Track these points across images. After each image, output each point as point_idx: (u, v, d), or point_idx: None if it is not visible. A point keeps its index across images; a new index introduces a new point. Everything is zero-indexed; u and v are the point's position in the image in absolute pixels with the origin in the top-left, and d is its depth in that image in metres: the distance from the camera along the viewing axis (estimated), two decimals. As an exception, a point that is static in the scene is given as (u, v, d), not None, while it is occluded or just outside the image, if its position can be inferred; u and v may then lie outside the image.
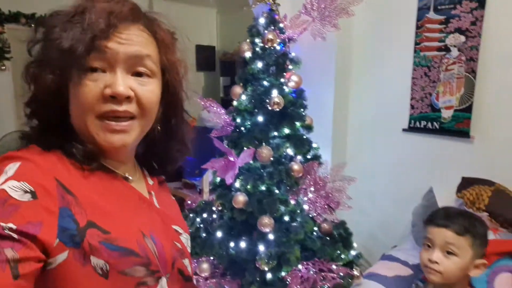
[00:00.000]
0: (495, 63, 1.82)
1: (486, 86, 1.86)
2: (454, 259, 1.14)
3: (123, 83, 0.56)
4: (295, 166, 1.77)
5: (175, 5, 5.00)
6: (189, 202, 2.20)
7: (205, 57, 5.52)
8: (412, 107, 2.09)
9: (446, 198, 1.94)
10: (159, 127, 0.68)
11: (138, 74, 0.59)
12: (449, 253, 1.15)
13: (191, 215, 2.01)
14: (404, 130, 2.15)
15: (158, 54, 0.63)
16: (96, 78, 0.56)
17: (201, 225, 1.92)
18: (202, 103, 1.94)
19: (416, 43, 2.02)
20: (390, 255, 2.03)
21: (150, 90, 0.60)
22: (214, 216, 1.92)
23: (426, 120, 2.05)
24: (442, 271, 1.15)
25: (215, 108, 1.95)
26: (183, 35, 0.71)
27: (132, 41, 0.58)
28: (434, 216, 1.26)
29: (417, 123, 2.09)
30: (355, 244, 1.92)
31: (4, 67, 3.71)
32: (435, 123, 2.02)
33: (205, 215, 1.94)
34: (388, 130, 2.22)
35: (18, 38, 3.82)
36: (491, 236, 1.65)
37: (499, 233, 1.67)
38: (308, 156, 1.93)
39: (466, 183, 1.85)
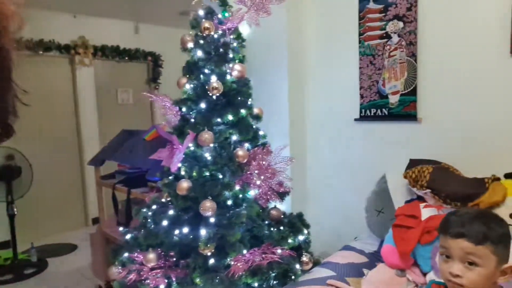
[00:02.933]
0: (432, 45, 1.87)
1: (427, 68, 1.89)
2: (477, 270, 1.00)
3: None
4: (240, 152, 1.78)
5: (160, 29, 5.20)
6: (146, 200, 2.20)
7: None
8: (362, 96, 2.12)
9: (397, 182, 1.92)
10: None
11: None
12: (470, 264, 1.01)
13: (143, 209, 2.01)
14: (355, 120, 2.17)
15: None
16: None
17: (149, 217, 1.91)
18: (151, 97, 1.99)
19: (360, 34, 2.08)
20: (348, 245, 1.99)
21: None
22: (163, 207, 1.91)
23: (375, 108, 2.07)
24: (466, 284, 1.01)
25: (165, 102, 1.99)
26: None
27: None
28: (447, 224, 1.08)
29: (368, 112, 2.10)
30: (305, 230, 1.88)
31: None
32: (384, 110, 2.04)
33: (154, 207, 1.93)
34: (341, 121, 2.24)
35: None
36: (434, 212, 1.62)
37: (443, 210, 1.63)
38: (259, 143, 1.95)
39: (413, 163, 1.83)
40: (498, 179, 1.58)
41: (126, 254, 1.86)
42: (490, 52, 1.71)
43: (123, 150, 2.94)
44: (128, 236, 1.93)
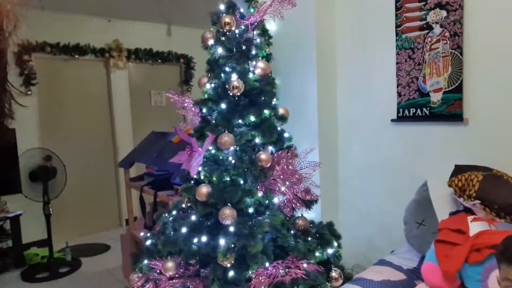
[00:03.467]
0: (481, 36, 1.64)
1: (475, 62, 1.67)
2: None
3: None
4: (263, 156, 1.65)
5: (192, 31, 5.20)
6: (170, 203, 2.14)
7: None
8: (399, 94, 1.92)
9: (441, 190, 1.70)
10: None
11: None
12: None
13: (165, 214, 1.94)
14: (392, 120, 1.97)
15: None
16: None
17: (169, 223, 1.82)
18: (173, 97, 1.92)
19: (397, 26, 1.89)
20: (383, 260, 1.81)
21: None
22: (183, 213, 1.82)
23: (414, 107, 1.87)
24: None
25: (186, 102, 1.91)
26: None
27: None
28: (507, 251, 0.95)
29: (406, 112, 1.90)
30: (335, 242, 1.72)
31: (30, 92, 3.99)
32: (424, 109, 1.83)
33: (174, 212, 1.85)
34: (377, 122, 2.05)
35: (44, 66, 4.15)
36: (485, 227, 1.41)
37: (495, 224, 1.41)
38: (284, 147, 1.81)
39: (459, 171, 1.62)
40: None
41: (145, 261, 1.78)
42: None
43: (151, 153, 2.91)
44: (148, 242, 1.86)
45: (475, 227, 1.39)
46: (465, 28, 1.66)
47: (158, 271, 1.69)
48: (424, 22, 1.78)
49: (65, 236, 4.13)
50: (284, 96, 2.20)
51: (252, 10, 2.00)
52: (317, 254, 1.60)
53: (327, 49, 2.15)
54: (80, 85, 4.45)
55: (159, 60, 4.94)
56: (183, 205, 1.84)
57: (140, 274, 1.78)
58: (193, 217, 1.75)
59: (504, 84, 1.60)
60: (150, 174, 3.07)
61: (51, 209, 3.65)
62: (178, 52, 5.08)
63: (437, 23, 1.74)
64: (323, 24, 2.09)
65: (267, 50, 2.27)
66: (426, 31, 1.78)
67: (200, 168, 1.72)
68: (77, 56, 4.30)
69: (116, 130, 4.66)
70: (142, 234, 1.95)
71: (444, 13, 1.71)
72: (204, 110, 1.77)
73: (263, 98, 1.75)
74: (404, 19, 1.85)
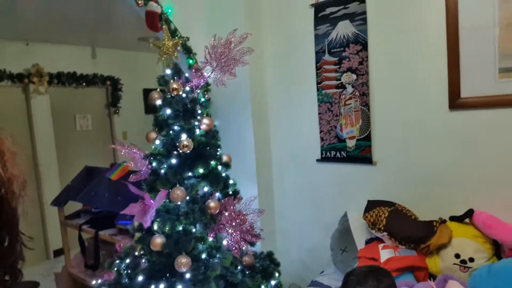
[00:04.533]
0: (382, 96, 2.06)
1: (379, 117, 2.08)
2: None
3: None
4: (211, 204, 1.85)
5: (118, 53, 5.13)
6: (118, 247, 2.21)
7: (152, 100, 5.62)
8: (322, 139, 2.28)
9: (358, 220, 2.08)
10: None
11: None
12: None
13: (116, 261, 2.02)
14: (317, 160, 2.32)
15: None
16: None
17: (124, 271, 1.93)
18: (121, 149, 2.02)
19: (318, 82, 2.24)
20: (316, 281, 2.12)
21: None
22: (137, 260, 1.94)
23: (334, 150, 2.23)
24: None
25: (135, 153, 2.03)
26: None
27: None
28: (347, 284, 1.31)
29: (328, 153, 2.26)
30: (276, 274, 1.99)
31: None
32: (342, 152, 2.20)
33: (127, 261, 1.96)
34: (304, 161, 2.38)
35: None
36: (391, 254, 1.79)
37: (398, 251, 1.81)
38: (230, 192, 2.04)
39: (371, 205, 2.01)
40: (445, 221, 1.79)
41: (101, 311, 1.86)
42: (430, 105, 1.92)
43: (87, 191, 2.90)
44: (101, 291, 1.93)
45: (385, 254, 1.78)
46: (370, 89, 2.07)
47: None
48: (339, 82, 2.15)
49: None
50: (223, 137, 2.42)
51: (191, 61, 2.20)
52: (262, 287, 1.85)
53: (260, 98, 2.43)
54: (-4, 112, 4.13)
55: (84, 83, 4.79)
56: (136, 253, 1.95)
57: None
58: (146, 264, 1.87)
59: (401, 135, 2.03)
60: (87, 211, 3.04)
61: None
62: (104, 74, 4.97)
63: (349, 83, 2.12)
64: (255, 78, 2.36)
65: (206, 96, 2.48)
66: (341, 89, 2.15)
67: (152, 218, 1.86)
68: (-9, 82, 3.99)
69: (38, 158, 4.41)
70: (93, 282, 2.00)
71: (354, 76, 2.10)
72: (154, 164, 1.91)
73: (209, 150, 1.95)
74: (323, 77, 2.21)
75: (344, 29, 2.11)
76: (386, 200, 2.02)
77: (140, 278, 1.82)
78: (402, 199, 2.00)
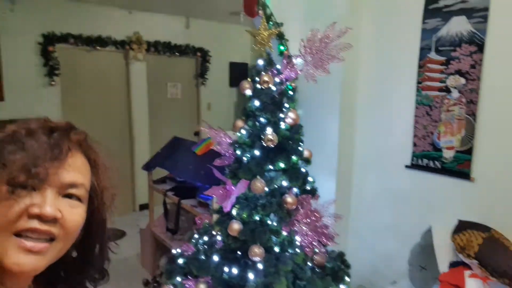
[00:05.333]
0: (495, 107, 1.81)
1: (487, 130, 1.85)
2: None
3: (52, 203, 0.56)
4: (288, 199, 1.86)
5: (210, 24, 5.26)
6: (197, 220, 2.37)
7: (238, 73, 5.73)
8: (415, 144, 2.11)
9: (443, 239, 1.93)
10: (73, 254, 0.67)
11: (68, 196, 0.59)
12: None
13: (195, 236, 2.17)
14: (407, 166, 2.17)
15: (90, 180, 0.65)
16: (24, 195, 0.55)
17: (201, 247, 2.06)
18: (209, 132, 2.10)
19: (419, 82, 2.04)
20: (386, 290, 2.06)
21: (78, 213, 0.61)
22: (214, 239, 2.06)
23: (428, 159, 2.06)
24: None
25: (222, 137, 2.10)
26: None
27: (70, 167, 0.59)
28: None
29: (420, 161, 2.10)
30: (347, 278, 1.96)
31: (54, 82, 4.13)
32: (436, 162, 2.02)
33: (205, 238, 2.09)
34: (391, 166, 2.24)
35: (66, 56, 4.26)
36: (479, 285, 1.65)
37: (488, 283, 1.65)
38: (308, 189, 2.02)
39: (461, 226, 1.84)
40: (550, 260, 1.57)
41: (178, 279, 2.04)
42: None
43: (174, 160, 3.11)
44: (181, 261, 2.10)
45: (471, 284, 1.63)
46: (480, 97, 1.83)
47: (190, 290, 1.94)
48: (443, 84, 1.94)
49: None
50: (306, 128, 2.38)
51: (282, 47, 2.16)
52: (331, 289, 1.84)
53: (351, 90, 2.31)
54: (100, 76, 4.58)
55: (177, 53, 5.03)
56: (214, 232, 2.07)
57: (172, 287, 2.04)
58: (221, 244, 1.98)
59: (511, 154, 1.79)
60: (172, 179, 3.29)
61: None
62: (195, 46, 5.16)
63: (455, 88, 1.90)
64: (349, 69, 2.24)
65: (293, 84, 2.43)
66: (444, 93, 1.94)
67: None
68: (98, 47, 4.40)
69: (133, 119, 4.83)
70: (174, 251, 2.18)
71: (463, 80, 1.87)
72: (238, 152, 1.96)
73: (291, 145, 1.93)
74: (425, 77, 2.01)
75: (458, 25, 1.87)
76: (480, 223, 1.83)
77: (215, 257, 1.94)
78: (500, 224, 1.79)
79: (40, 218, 0.55)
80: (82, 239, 0.66)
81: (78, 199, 0.61)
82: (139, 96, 4.85)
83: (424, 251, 1.94)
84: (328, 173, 2.29)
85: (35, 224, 0.54)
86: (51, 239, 0.57)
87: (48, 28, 4.08)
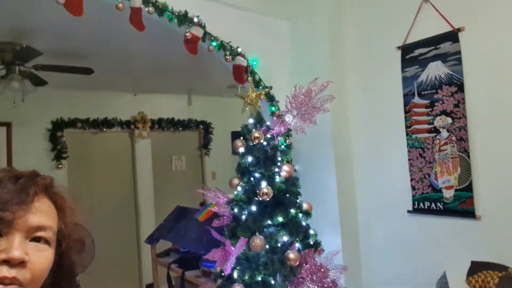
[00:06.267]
0: (485, 142, 1.82)
1: (482, 165, 1.83)
2: None
3: (19, 247, 0.56)
4: (291, 255, 1.79)
5: (210, 99, 5.54)
6: (200, 290, 2.26)
7: (240, 142, 5.85)
8: (413, 188, 2.08)
9: (459, 283, 1.80)
10: None
11: (36, 239, 0.60)
12: None
13: (199, 305, 2.05)
14: (409, 211, 2.11)
15: (58, 223, 0.65)
16: None
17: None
18: (207, 193, 2.11)
19: (407, 127, 2.09)
20: None
21: (45, 257, 0.61)
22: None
23: (429, 201, 2.01)
24: None
25: (220, 198, 2.10)
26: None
27: (37, 210, 0.60)
28: None
29: (421, 204, 2.05)
30: None
31: (61, 165, 4.27)
32: (438, 204, 1.98)
33: (209, 307, 1.97)
34: (394, 212, 2.19)
35: (74, 140, 4.45)
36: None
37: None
38: (311, 243, 1.95)
39: (476, 267, 1.73)
40: None
41: None
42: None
43: (176, 231, 3.06)
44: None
45: (496, 331, 1.48)
46: (470, 134, 1.85)
47: None
48: (431, 126, 1.98)
49: (90, 307, 4.20)
50: (304, 183, 2.37)
51: (273, 108, 2.24)
52: None
53: (343, 144, 2.35)
54: (107, 155, 4.72)
55: (180, 128, 5.23)
56: (217, 299, 1.97)
57: None
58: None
59: (512, 185, 1.75)
60: (176, 251, 3.20)
61: (78, 281, 3.75)
62: (197, 119, 5.39)
63: (443, 127, 1.93)
64: (338, 120, 2.30)
65: (287, 141, 2.48)
66: (434, 134, 1.97)
67: (232, 265, 1.86)
68: (105, 129, 4.60)
69: (139, 196, 4.86)
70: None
71: (449, 119, 1.91)
72: (236, 210, 1.94)
73: (288, 197, 1.92)
74: (413, 121, 2.05)
75: (436, 70, 1.96)
76: (494, 262, 1.72)
77: (219, 327, 1.81)
78: (516, 262, 1.68)
79: (8, 262, 0.55)
80: (51, 284, 0.65)
81: (46, 242, 0.61)
82: (144, 171, 4.95)
83: (443, 300, 1.80)
84: (331, 227, 2.23)
85: (3, 271, 0.55)
86: (19, 285, 0.56)
87: (57, 114, 4.34)
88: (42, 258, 0.60)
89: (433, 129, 1.97)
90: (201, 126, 5.43)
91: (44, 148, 4.23)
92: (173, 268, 2.96)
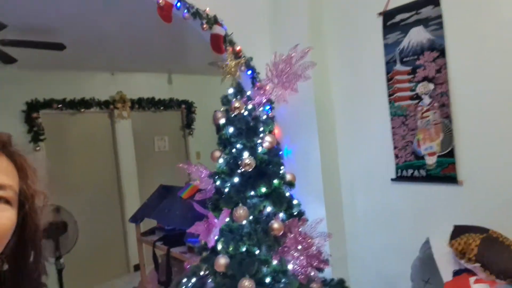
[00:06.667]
0: (467, 107, 1.81)
1: (464, 130, 1.83)
2: None
3: None
4: (275, 225, 1.78)
5: (191, 78, 5.41)
6: (186, 266, 2.23)
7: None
8: (397, 156, 2.08)
9: (443, 248, 1.83)
10: (5, 267, 0.62)
11: None
12: None
13: (183, 280, 2.03)
14: (392, 180, 2.11)
15: (19, 184, 0.62)
16: None
17: (189, 291, 1.92)
18: (188, 168, 2.06)
19: (390, 95, 2.06)
20: (393, 315, 1.90)
21: (6, 216, 0.58)
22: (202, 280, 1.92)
23: (412, 168, 2.02)
24: None
25: (202, 172, 2.05)
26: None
27: None
28: None
29: (404, 172, 2.05)
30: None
31: (38, 148, 4.13)
32: (421, 171, 1.98)
33: (193, 280, 1.95)
34: (377, 181, 2.19)
35: (51, 121, 4.30)
36: (486, 289, 1.53)
37: (496, 287, 1.53)
38: (294, 213, 1.94)
39: (458, 231, 1.75)
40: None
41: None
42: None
43: (161, 209, 3.02)
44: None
45: (477, 290, 1.51)
46: (452, 100, 1.84)
47: None
48: (413, 93, 1.96)
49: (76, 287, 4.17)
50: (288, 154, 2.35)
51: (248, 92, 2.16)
52: (332, 319, 1.70)
53: (327, 112, 2.32)
54: (86, 136, 4.59)
55: (161, 108, 5.12)
56: (201, 272, 1.95)
57: None
58: (212, 286, 1.85)
59: (493, 149, 1.76)
60: (161, 229, 3.17)
61: (62, 263, 3.70)
62: (179, 99, 5.27)
63: (425, 94, 1.91)
64: (321, 93, 2.27)
65: (270, 114, 2.44)
66: (416, 101, 1.95)
67: (216, 237, 1.84)
68: (83, 110, 4.46)
69: (121, 176, 4.78)
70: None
71: (431, 85, 1.89)
72: (218, 182, 1.91)
73: (271, 168, 1.89)
74: (396, 89, 2.03)
75: (418, 35, 1.93)
76: (476, 225, 1.74)
77: (204, 299, 1.80)
78: (496, 224, 1.70)
79: None
80: (15, 248, 0.62)
81: (6, 202, 0.58)
82: (126, 153, 4.84)
83: (425, 264, 1.82)
84: (315, 198, 2.22)
85: None
86: None
87: (32, 96, 4.16)
88: (3, 218, 0.57)
89: (415, 96, 1.96)
90: (183, 106, 5.32)
91: (21, 131, 4.07)
92: (158, 246, 2.93)
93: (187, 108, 5.38)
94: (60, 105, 4.31)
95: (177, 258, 2.86)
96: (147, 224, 3.36)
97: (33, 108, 4.13)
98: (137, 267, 4.75)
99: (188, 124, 5.41)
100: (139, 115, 5.01)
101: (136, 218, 3.21)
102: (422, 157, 1.96)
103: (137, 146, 4.95)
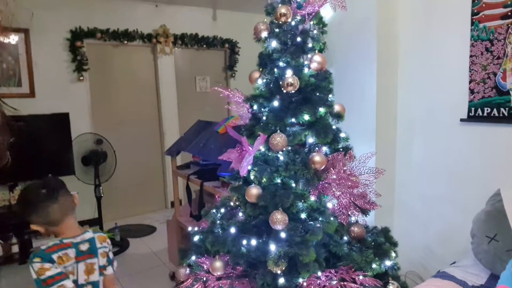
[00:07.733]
0: None
1: None
2: None
3: None
4: (316, 157, 1.54)
5: (237, 15, 5.10)
6: (217, 198, 2.11)
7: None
8: (472, 91, 1.72)
9: (518, 203, 1.51)
10: None
11: None
12: None
13: (213, 211, 1.91)
14: (462, 120, 1.77)
15: None
16: None
17: (218, 221, 1.79)
18: (224, 93, 1.85)
19: (474, 13, 1.66)
20: (444, 272, 1.66)
21: None
22: (232, 210, 1.78)
23: (490, 107, 1.66)
24: None
25: (236, 97, 1.84)
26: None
27: None
28: None
29: (479, 111, 1.70)
30: (393, 254, 1.59)
31: (82, 78, 4.12)
32: (502, 109, 1.62)
33: (222, 210, 1.81)
34: (442, 123, 1.86)
35: (94, 51, 4.25)
36: None
37: None
38: (340, 148, 1.69)
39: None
40: None
41: (193, 258, 1.77)
42: None
43: (197, 142, 2.90)
44: (196, 238, 1.84)
45: None
46: (561, 16, 1.43)
47: (206, 270, 1.67)
48: (508, 9, 1.55)
49: (114, 217, 4.32)
50: (338, 90, 2.06)
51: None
52: (374, 266, 1.49)
53: (388, 39, 1.96)
54: (128, 70, 4.53)
55: (204, 45, 4.89)
56: (231, 203, 1.80)
57: (188, 269, 1.78)
58: (242, 217, 1.70)
59: None
60: (196, 163, 3.07)
61: (102, 192, 3.80)
62: (223, 37, 5.00)
63: (525, 10, 1.51)
64: (385, 11, 1.90)
65: (322, 39, 2.12)
66: (510, 20, 1.55)
67: (249, 167, 1.65)
68: (126, 42, 4.35)
69: (162, 114, 4.73)
70: (190, 228, 1.93)
71: (534, -2, 1.48)
72: (255, 107, 1.68)
73: (318, 95, 1.63)
74: (483, 5, 1.63)
75: None
76: None
77: (232, 230, 1.66)
78: None
79: None
80: None
81: None
82: (168, 91, 4.75)
83: (492, 218, 1.53)
84: (366, 136, 1.95)
85: None
86: None
87: (76, 23, 4.09)
88: None
89: (510, 14, 1.55)
90: (226, 45, 5.05)
91: (65, 59, 4.06)
92: (192, 179, 2.85)
93: (231, 48, 5.11)
94: (103, 35, 4.21)
95: (211, 194, 2.78)
96: (184, 159, 3.28)
97: (77, 36, 4.08)
98: (174, 204, 4.83)
99: (230, 65, 5.17)
100: (181, 52, 4.84)
101: (172, 151, 3.14)
102: (507, 93, 1.59)
103: (179, 84, 4.83)
